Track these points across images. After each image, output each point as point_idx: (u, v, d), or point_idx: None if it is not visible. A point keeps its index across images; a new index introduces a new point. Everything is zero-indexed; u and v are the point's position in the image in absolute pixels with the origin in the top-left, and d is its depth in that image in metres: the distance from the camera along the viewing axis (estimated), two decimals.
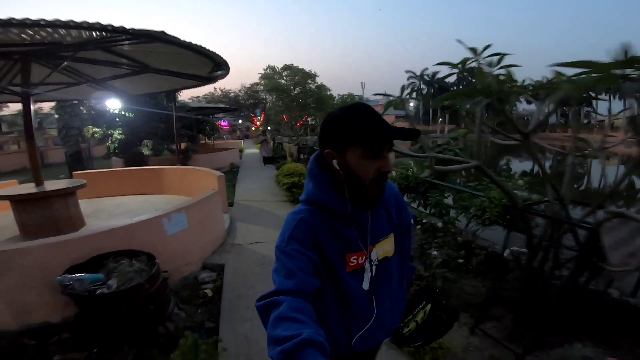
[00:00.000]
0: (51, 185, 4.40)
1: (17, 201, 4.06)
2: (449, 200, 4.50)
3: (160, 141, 11.12)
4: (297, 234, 0.85)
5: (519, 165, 17.61)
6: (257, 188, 8.24)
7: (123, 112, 10.42)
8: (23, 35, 3.22)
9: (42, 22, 2.67)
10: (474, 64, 1.88)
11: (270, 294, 0.76)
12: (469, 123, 2.33)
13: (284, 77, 18.92)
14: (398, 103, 2.01)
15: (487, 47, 1.87)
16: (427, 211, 4.59)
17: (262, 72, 19.38)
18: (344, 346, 0.93)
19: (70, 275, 2.17)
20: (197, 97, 31.20)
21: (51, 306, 2.48)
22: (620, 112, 2.07)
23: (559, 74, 1.62)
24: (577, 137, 1.99)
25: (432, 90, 48.16)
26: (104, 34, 3.29)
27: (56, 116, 13.97)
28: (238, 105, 30.01)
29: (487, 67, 1.81)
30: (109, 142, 11.06)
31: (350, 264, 0.91)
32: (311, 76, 18.65)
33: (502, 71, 1.77)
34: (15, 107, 24.47)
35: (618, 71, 1.23)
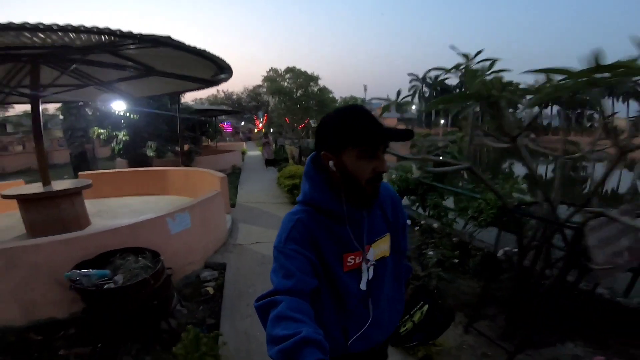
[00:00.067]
0: (58, 185, 4.47)
1: (25, 200, 4.14)
2: (449, 203, 4.56)
3: (163, 143, 11.20)
4: (294, 234, 0.86)
5: (523, 169, 17.59)
6: (258, 190, 8.32)
7: (128, 114, 10.54)
8: (35, 39, 3.31)
9: (54, 27, 2.77)
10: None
11: (269, 293, 0.76)
12: (465, 126, 2.41)
13: (287, 80, 19.01)
14: (401, 106, 2.09)
15: (479, 52, 1.96)
16: (426, 213, 4.65)
17: (265, 74, 19.53)
18: (340, 347, 0.93)
19: (79, 271, 2.25)
20: (200, 99, 31.42)
21: (58, 302, 2.52)
22: (610, 115, 2.14)
23: (549, 79, 1.70)
24: (567, 140, 2.05)
25: (435, 93, 48.15)
26: (112, 38, 3.39)
27: (61, 117, 14.07)
28: (241, 108, 30.14)
29: (480, 71, 1.89)
30: (114, 143, 11.14)
31: (348, 264, 0.91)
32: (313, 79, 18.73)
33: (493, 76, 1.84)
34: (20, 108, 24.76)
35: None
